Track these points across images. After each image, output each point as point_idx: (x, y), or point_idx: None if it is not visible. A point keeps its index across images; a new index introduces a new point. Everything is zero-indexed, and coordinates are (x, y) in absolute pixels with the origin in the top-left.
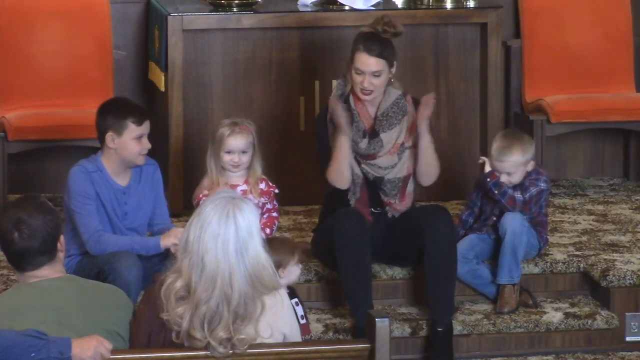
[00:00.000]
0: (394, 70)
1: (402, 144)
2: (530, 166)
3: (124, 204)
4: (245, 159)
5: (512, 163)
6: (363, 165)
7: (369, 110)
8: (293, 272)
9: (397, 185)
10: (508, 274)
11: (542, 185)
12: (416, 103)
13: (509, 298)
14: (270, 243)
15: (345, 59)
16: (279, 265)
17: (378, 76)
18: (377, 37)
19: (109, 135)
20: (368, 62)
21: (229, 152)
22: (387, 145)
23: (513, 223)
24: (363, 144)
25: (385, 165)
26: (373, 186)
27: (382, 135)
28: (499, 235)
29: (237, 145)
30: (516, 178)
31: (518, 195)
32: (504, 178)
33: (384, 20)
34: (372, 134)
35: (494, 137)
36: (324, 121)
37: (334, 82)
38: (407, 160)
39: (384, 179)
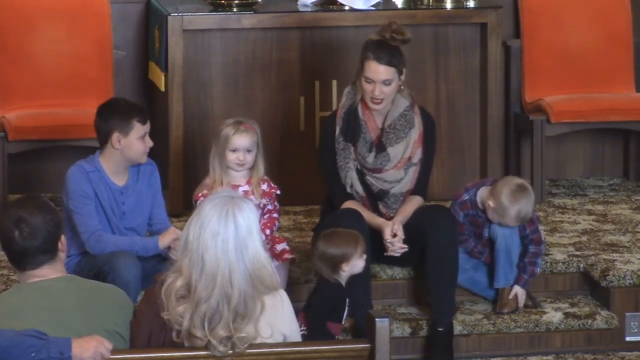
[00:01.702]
0: (403, 77)
1: (409, 158)
2: None
3: (122, 203)
4: (250, 158)
5: (519, 223)
6: (368, 177)
7: (377, 120)
8: (357, 264)
9: (399, 200)
10: (504, 277)
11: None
12: (423, 112)
13: (508, 300)
14: (333, 238)
15: (345, 60)
16: (343, 259)
17: (388, 84)
18: (386, 44)
19: (115, 136)
20: (377, 70)
21: (234, 151)
22: (394, 160)
23: (504, 227)
24: (370, 158)
25: (391, 180)
26: (374, 198)
27: (390, 150)
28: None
29: (243, 143)
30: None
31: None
32: (494, 219)
33: (392, 27)
34: (379, 146)
35: (507, 185)
36: (331, 136)
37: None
38: (413, 175)
39: (388, 192)
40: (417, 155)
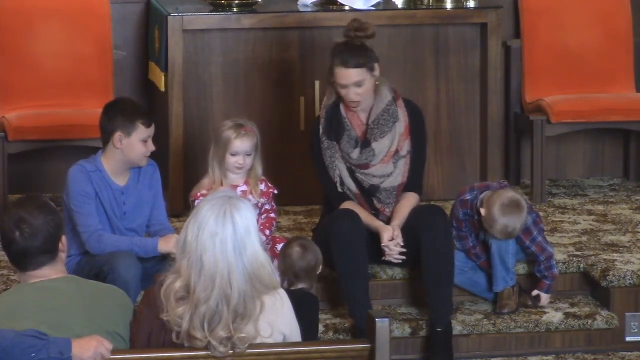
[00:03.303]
0: (376, 72)
1: (397, 151)
2: None
3: (122, 204)
4: (249, 161)
5: (505, 238)
6: (357, 174)
7: (361, 116)
8: None
9: (392, 194)
10: (502, 281)
11: (528, 220)
12: (408, 104)
13: (508, 299)
14: (305, 248)
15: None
16: (319, 263)
17: (361, 85)
18: (350, 46)
19: (117, 136)
20: (347, 75)
21: (234, 155)
22: (379, 155)
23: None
24: (355, 153)
25: (379, 174)
26: (368, 194)
27: (374, 145)
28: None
29: (243, 147)
30: None
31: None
32: (484, 227)
33: (354, 25)
34: (364, 142)
35: (500, 198)
36: (317, 137)
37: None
38: (403, 167)
39: (379, 187)
40: (405, 148)
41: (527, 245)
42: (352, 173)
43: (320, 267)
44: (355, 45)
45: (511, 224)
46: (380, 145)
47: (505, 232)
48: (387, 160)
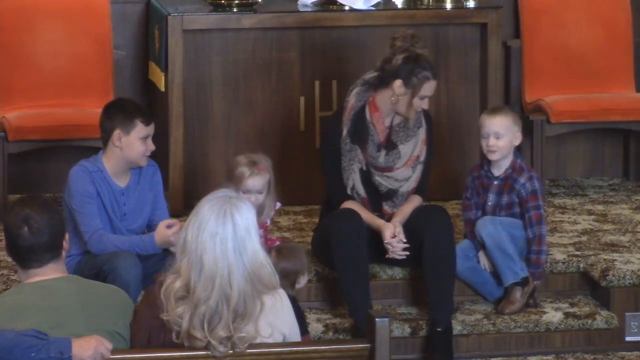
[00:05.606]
0: None
1: (418, 157)
2: (517, 140)
3: (123, 204)
4: (261, 198)
5: (503, 121)
6: (377, 177)
7: (385, 120)
8: (306, 277)
9: (405, 198)
10: (511, 272)
11: (536, 184)
12: (424, 111)
13: (516, 300)
14: (286, 253)
15: (345, 60)
16: (301, 272)
17: None
18: (425, 58)
19: (116, 133)
20: (434, 86)
21: (245, 192)
22: (404, 157)
23: (485, 227)
24: (381, 157)
25: (401, 178)
26: (380, 198)
27: (401, 147)
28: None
29: (255, 186)
30: (503, 143)
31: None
32: (492, 141)
33: (410, 37)
34: (389, 145)
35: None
36: (336, 137)
37: (352, 91)
38: (418, 173)
39: (397, 191)
40: (424, 154)
41: (528, 207)
42: (367, 177)
43: (301, 278)
44: (426, 56)
45: (498, 111)
46: (406, 149)
47: (494, 121)
48: (410, 165)
